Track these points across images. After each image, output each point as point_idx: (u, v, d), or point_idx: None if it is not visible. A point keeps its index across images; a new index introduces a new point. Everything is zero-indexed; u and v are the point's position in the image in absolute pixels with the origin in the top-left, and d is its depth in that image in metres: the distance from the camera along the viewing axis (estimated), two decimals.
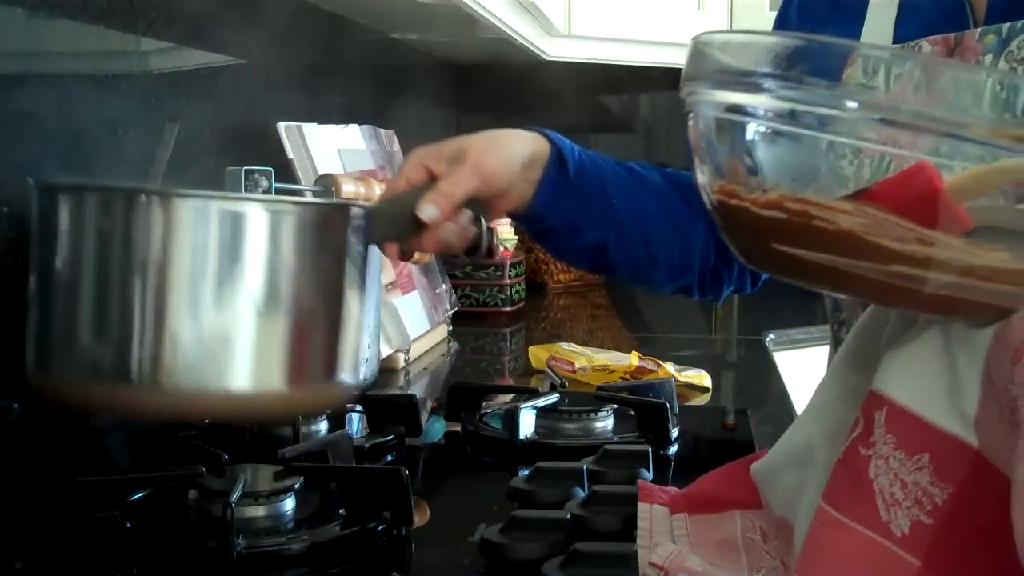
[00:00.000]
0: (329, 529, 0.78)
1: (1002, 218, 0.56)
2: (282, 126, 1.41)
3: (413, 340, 1.52)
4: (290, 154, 1.40)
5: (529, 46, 2.13)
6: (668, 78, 2.40)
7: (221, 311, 0.69)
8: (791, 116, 0.55)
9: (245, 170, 1.15)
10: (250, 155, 1.27)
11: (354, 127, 1.64)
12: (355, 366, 0.79)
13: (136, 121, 1.12)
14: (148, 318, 0.67)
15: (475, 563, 0.74)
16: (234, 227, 0.69)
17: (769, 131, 0.57)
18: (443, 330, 1.74)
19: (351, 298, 0.78)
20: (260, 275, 0.71)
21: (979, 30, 0.75)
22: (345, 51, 1.85)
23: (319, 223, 0.77)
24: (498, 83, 2.66)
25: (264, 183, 1.17)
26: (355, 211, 0.80)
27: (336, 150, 1.52)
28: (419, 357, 1.56)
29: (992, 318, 0.55)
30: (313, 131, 1.46)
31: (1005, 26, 0.73)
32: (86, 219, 0.70)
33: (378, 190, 1.37)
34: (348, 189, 1.29)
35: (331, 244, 0.76)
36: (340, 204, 0.78)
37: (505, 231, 2.11)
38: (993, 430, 0.54)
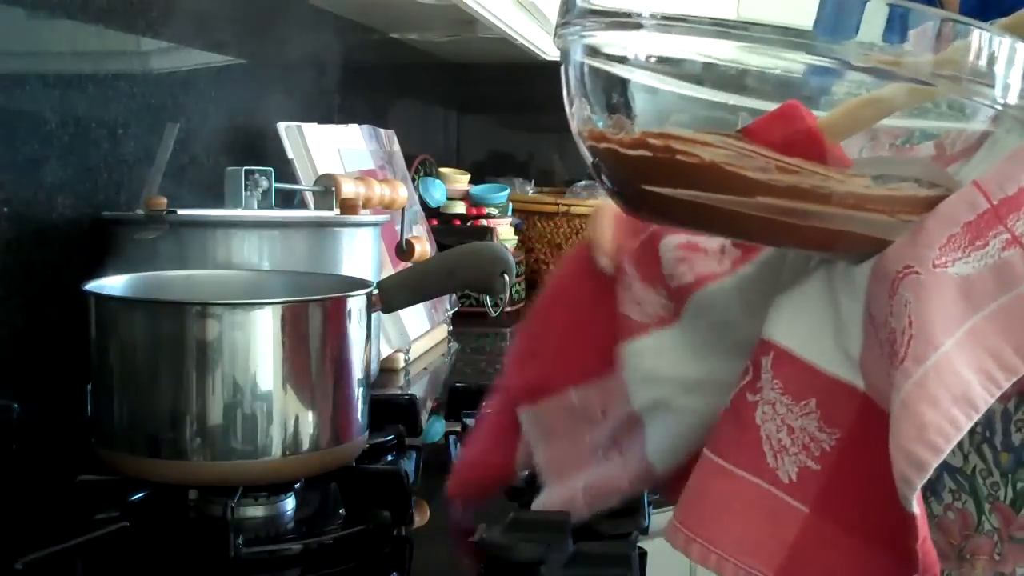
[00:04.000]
0: (329, 529, 0.78)
1: (882, 167, 0.55)
2: (282, 126, 1.41)
3: (413, 340, 1.52)
4: (290, 154, 1.40)
5: (529, 46, 2.13)
6: None
7: (244, 398, 0.78)
8: (672, 63, 0.54)
9: (245, 170, 1.15)
10: (250, 155, 1.28)
11: (354, 127, 1.64)
12: (354, 430, 0.85)
13: (136, 121, 1.13)
14: (190, 407, 0.77)
15: (475, 563, 0.74)
16: (258, 326, 0.78)
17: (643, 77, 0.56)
18: (443, 330, 1.74)
19: (354, 369, 0.83)
20: (276, 365, 0.78)
21: None
22: (345, 51, 1.85)
23: (330, 314, 0.82)
24: (498, 83, 2.66)
25: (264, 183, 1.17)
26: (363, 297, 0.85)
27: (336, 150, 1.52)
28: (419, 357, 1.56)
29: (871, 252, 0.53)
30: (313, 131, 1.46)
31: None
32: (135, 325, 0.79)
33: (378, 190, 1.37)
34: (348, 189, 1.29)
35: (339, 327, 0.82)
36: (351, 296, 0.82)
37: (505, 231, 2.11)
38: (877, 369, 0.53)
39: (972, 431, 0.74)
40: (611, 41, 0.56)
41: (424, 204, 2.00)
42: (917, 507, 0.49)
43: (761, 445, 0.55)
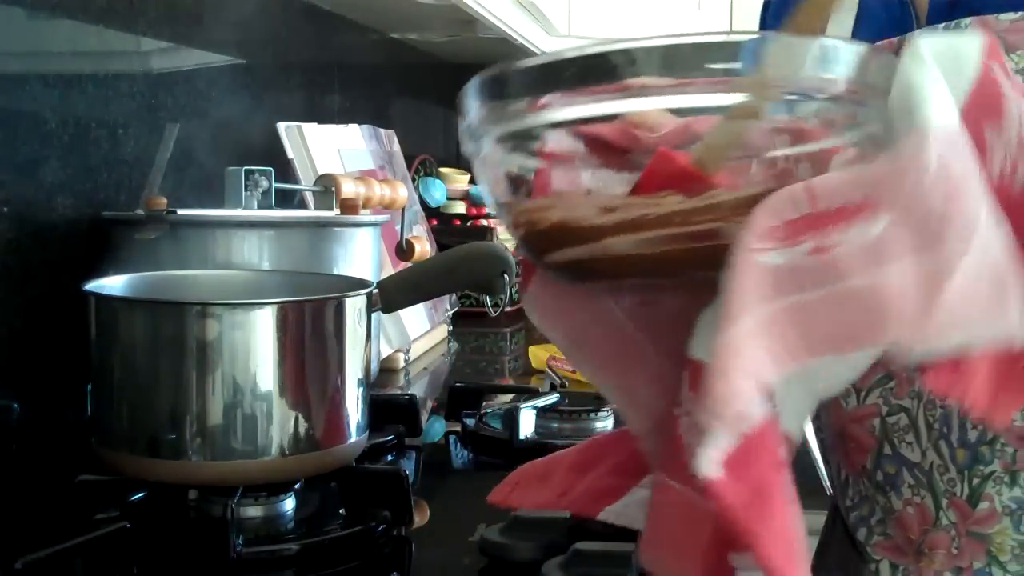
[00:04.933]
0: (329, 529, 0.78)
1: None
2: (282, 126, 1.41)
3: (413, 340, 1.52)
4: (290, 154, 1.40)
5: (529, 46, 2.13)
6: None
7: (244, 398, 0.78)
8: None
9: (245, 170, 1.15)
10: (250, 155, 1.27)
11: (354, 127, 1.64)
12: (354, 430, 0.84)
13: (136, 121, 1.13)
14: (190, 407, 0.77)
15: (475, 563, 0.74)
16: (258, 326, 0.78)
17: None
18: (443, 330, 1.74)
19: (354, 369, 0.83)
20: (276, 365, 0.78)
21: (917, 32, 0.75)
22: (345, 51, 1.85)
23: (330, 312, 0.82)
24: None
25: (264, 183, 1.17)
26: (363, 297, 0.85)
27: (336, 150, 1.52)
28: (419, 357, 1.56)
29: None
30: (313, 131, 1.46)
31: (940, 27, 0.73)
32: (135, 325, 0.80)
33: (378, 190, 1.37)
34: (348, 189, 1.29)
35: (339, 327, 0.82)
36: (351, 296, 0.82)
37: (505, 231, 2.11)
38: None
39: (930, 427, 0.74)
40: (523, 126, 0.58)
41: (424, 204, 2.00)
42: (714, 472, 0.50)
43: (683, 454, 0.57)
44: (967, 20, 0.72)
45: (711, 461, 0.50)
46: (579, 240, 0.55)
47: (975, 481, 0.71)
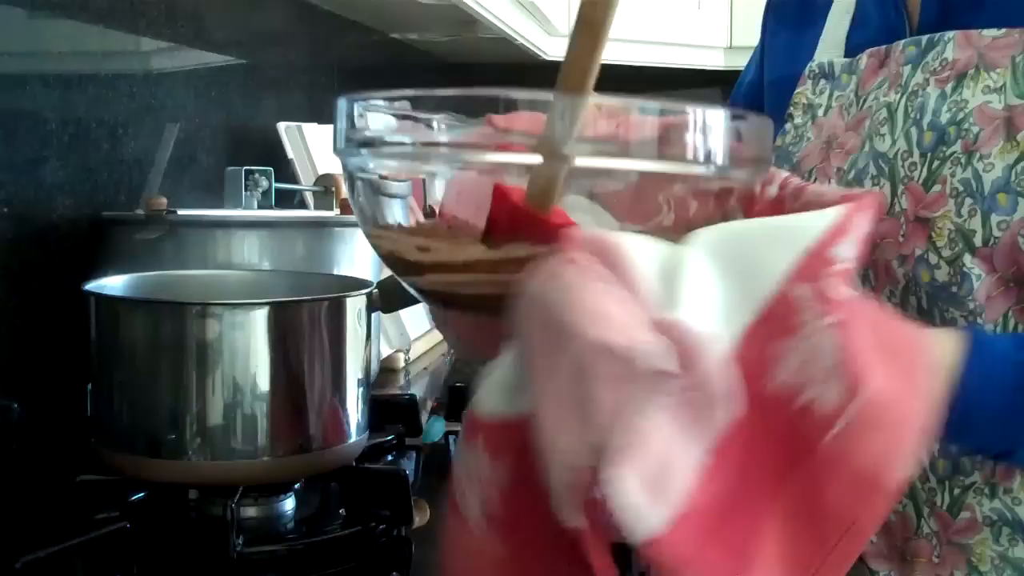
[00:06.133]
0: (329, 529, 0.78)
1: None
2: (282, 126, 1.41)
3: (413, 340, 1.52)
4: (290, 154, 1.40)
5: (529, 46, 2.13)
6: (668, 77, 2.40)
7: (244, 398, 0.78)
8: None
9: (245, 170, 1.15)
10: (250, 155, 1.28)
11: None
12: (354, 430, 0.85)
13: (136, 121, 1.13)
14: (190, 407, 0.77)
15: None
16: (258, 326, 0.79)
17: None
18: None
19: (354, 369, 0.84)
20: (275, 365, 0.78)
21: (903, 42, 0.74)
22: (345, 51, 1.85)
23: (330, 314, 0.82)
24: (498, 83, 2.65)
25: (264, 183, 1.18)
26: (363, 297, 0.85)
27: None
28: (419, 357, 1.56)
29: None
30: (313, 131, 1.46)
31: (924, 38, 0.72)
32: (135, 325, 0.80)
33: None
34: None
35: (338, 327, 0.83)
36: (351, 296, 0.82)
37: None
38: None
39: None
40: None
41: None
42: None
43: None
44: (951, 33, 0.71)
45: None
46: (408, 272, 0.55)
47: (956, 491, 0.70)
